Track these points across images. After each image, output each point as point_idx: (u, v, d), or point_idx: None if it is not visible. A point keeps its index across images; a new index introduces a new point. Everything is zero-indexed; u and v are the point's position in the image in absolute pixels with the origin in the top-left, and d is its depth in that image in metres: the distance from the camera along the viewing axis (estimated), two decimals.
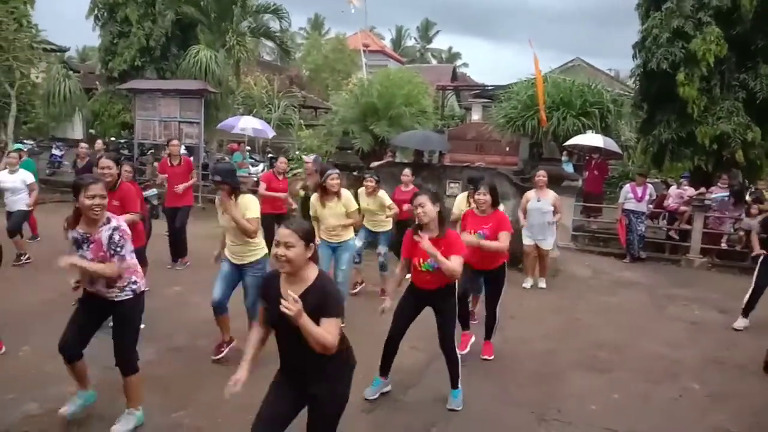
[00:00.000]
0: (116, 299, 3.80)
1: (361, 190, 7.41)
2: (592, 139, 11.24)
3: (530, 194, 8.19)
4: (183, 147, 14.37)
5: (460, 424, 4.33)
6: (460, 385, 4.52)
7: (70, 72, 19.43)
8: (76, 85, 18.62)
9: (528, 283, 8.45)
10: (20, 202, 8.21)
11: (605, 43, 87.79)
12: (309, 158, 8.12)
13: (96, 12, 18.76)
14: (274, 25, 20.86)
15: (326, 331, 2.71)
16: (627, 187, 10.96)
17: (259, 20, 20.34)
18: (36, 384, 4.43)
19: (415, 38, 54.05)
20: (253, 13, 19.49)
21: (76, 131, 19.35)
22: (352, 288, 7.37)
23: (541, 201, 8.13)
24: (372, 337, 4.71)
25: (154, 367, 5.06)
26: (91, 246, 3.66)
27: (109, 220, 3.71)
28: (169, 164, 8.64)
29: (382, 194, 7.32)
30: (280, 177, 8.70)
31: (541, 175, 8.17)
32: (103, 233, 3.67)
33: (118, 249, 3.67)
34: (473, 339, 5.69)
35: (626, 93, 15.25)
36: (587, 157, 13.71)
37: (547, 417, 4.49)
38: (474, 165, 11.64)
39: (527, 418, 4.47)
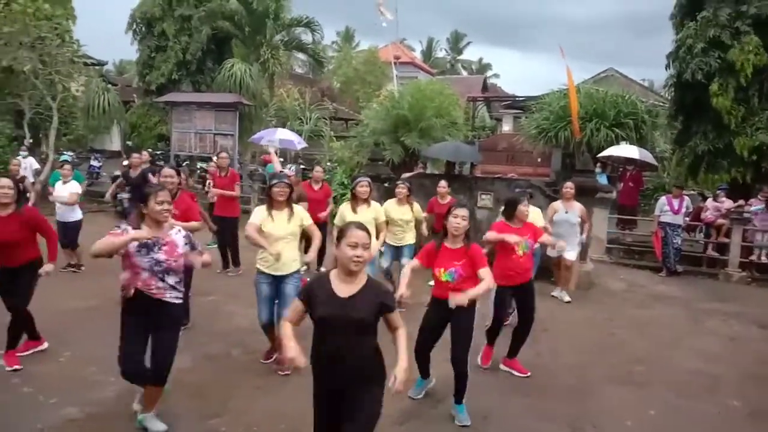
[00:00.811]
0: (169, 300, 3.91)
1: (391, 201, 7.39)
2: (626, 150, 11.09)
3: (557, 205, 8.09)
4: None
5: None
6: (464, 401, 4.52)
7: (109, 85, 19.97)
8: (115, 98, 19.13)
9: (556, 292, 8.37)
10: (72, 213, 8.47)
11: (638, 52, 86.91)
12: (291, 171, 8.13)
13: (134, 27, 19.28)
14: (306, 38, 21.18)
15: (398, 322, 3.09)
16: (663, 199, 10.78)
17: (292, 33, 20.65)
18: (76, 389, 4.53)
19: (445, 49, 54.17)
20: (286, 26, 19.79)
21: (114, 143, 19.85)
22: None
23: (569, 212, 8.05)
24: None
25: (190, 374, 5.17)
26: (164, 248, 3.87)
27: (172, 225, 4.05)
28: (218, 175, 8.89)
29: (416, 205, 7.32)
30: (317, 186, 8.81)
31: (569, 187, 8.09)
32: (176, 235, 3.98)
33: (196, 244, 4.10)
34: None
35: (661, 103, 15.03)
36: (621, 169, 13.53)
37: None
38: (506, 176, 11.59)
39: None
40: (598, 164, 12.46)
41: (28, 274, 5.01)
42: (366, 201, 6.41)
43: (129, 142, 19.91)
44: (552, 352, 6.19)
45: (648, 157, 11.44)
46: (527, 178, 11.36)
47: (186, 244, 4.01)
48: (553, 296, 8.30)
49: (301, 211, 5.26)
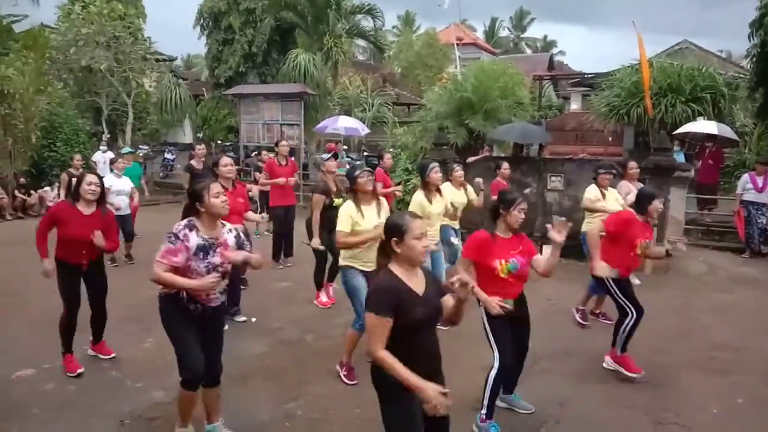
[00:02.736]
0: (216, 305, 3.76)
1: (447, 185, 6.92)
2: (704, 126, 10.55)
3: (629, 186, 7.66)
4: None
5: (570, 425, 4.23)
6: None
7: (180, 80, 20.67)
8: (186, 93, 19.81)
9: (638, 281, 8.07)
10: (125, 205, 8.77)
11: (713, 23, 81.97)
12: (328, 157, 7.51)
13: (201, 22, 19.82)
14: (366, 24, 21.19)
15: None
16: (746, 176, 10.23)
17: (353, 21, 20.71)
18: (161, 373, 4.73)
19: (508, 28, 53.02)
20: (347, 14, 19.87)
21: (187, 136, 20.57)
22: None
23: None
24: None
25: (267, 358, 5.37)
26: (219, 249, 3.66)
27: (224, 224, 3.81)
28: (278, 164, 8.96)
29: (470, 188, 7.06)
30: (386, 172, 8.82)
31: (634, 167, 7.78)
32: (228, 235, 3.76)
33: (247, 244, 3.89)
34: None
35: (741, 75, 14.17)
36: (699, 146, 12.90)
37: (664, 421, 4.28)
38: (577, 157, 11.27)
39: (642, 421, 4.30)
40: (675, 142, 11.93)
41: (104, 267, 5.22)
42: (438, 190, 5.98)
43: (199, 135, 20.57)
44: (632, 338, 6.01)
45: (728, 132, 10.85)
46: (599, 158, 11.01)
47: (236, 243, 3.80)
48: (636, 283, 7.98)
49: (383, 201, 5.01)
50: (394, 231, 2.79)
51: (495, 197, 8.33)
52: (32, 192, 13.58)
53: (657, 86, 11.03)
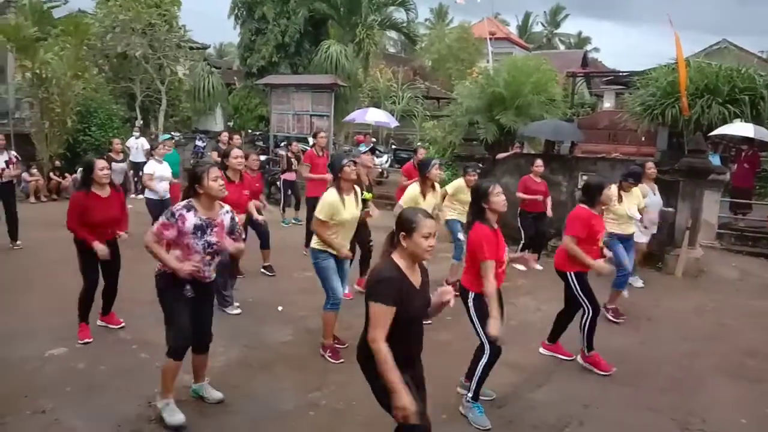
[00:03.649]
0: (209, 281, 4.06)
1: (463, 185, 7.25)
2: (741, 128, 10.31)
3: (645, 188, 7.51)
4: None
5: (594, 426, 4.20)
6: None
7: (213, 69, 20.84)
8: (218, 81, 19.96)
9: (640, 283, 7.94)
10: (166, 190, 8.85)
11: (754, 22, 79.55)
12: (365, 150, 7.54)
13: (236, 11, 19.94)
14: (399, 16, 21.11)
15: None
16: None
17: (385, 13, 20.65)
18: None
19: (542, 23, 52.31)
20: (380, 6, 19.82)
21: (218, 124, 20.75)
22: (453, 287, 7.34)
23: (656, 195, 7.62)
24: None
25: (291, 347, 5.43)
26: (215, 230, 3.93)
27: (222, 205, 4.05)
28: (317, 155, 9.02)
29: None
30: None
31: (652, 167, 7.65)
32: (224, 217, 4.02)
33: (238, 229, 4.18)
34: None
35: None
36: (736, 149, 12.61)
37: (691, 426, 4.23)
38: (610, 156, 11.11)
39: (667, 426, 4.25)
40: (709, 143, 11.68)
41: (118, 244, 5.49)
42: (433, 186, 6.22)
43: (230, 123, 20.75)
44: (656, 341, 5.95)
45: (765, 135, 10.59)
46: (631, 158, 10.84)
47: (230, 225, 4.07)
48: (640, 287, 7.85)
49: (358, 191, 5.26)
50: (404, 225, 2.87)
51: (520, 193, 8.36)
52: (66, 175, 13.87)
53: (693, 86, 10.81)
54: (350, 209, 4.98)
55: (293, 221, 11.49)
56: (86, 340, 5.25)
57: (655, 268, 8.66)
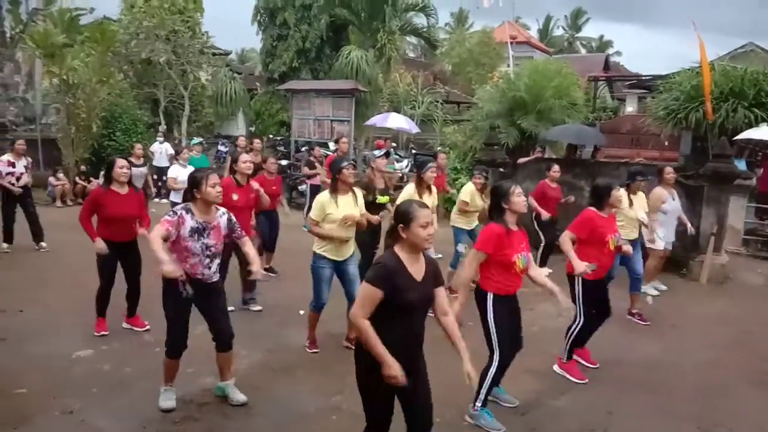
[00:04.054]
0: (215, 280, 4.20)
1: (473, 188, 7.33)
2: (767, 132, 10.15)
3: (664, 193, 7.39)
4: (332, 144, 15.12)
5: None
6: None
7: (235, 74, 21.06)
8: (240, 87, 20.16)
9: (656, 290, 7.79)
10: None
11: None
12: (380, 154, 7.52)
13: (258, 17, 20.14)
14: (418, 21, 21.14)
15: (446, 300, 3.14)
16: None
17: (405, 18, 20.69)
18: (210, 360, 4.79)
19: (563, 27, 51.97)
20: (402, 11, 19.87)
21: (240, 129, 20.95)
22: (451, 292, 7.36)
23: (675, 200, 7.52)
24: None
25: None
26: (212, 232, 4.08)
27: (217, 208, 4.19)
28: None
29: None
30: (439, 172, 8.83)
31: (671, 172, 7.54)
32: (221, 219, 4.17)
33: (238, 228, 4.30)
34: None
35: None
36: (762, 153, 12.40)
37: None
38: (633, 161, 11.01)
39: None
40: (735, 148, 11.51)
41: (138, 246, 5.63)
42: (429, 187, 6.39)
43: (252, 128, 20.94)
44: (680, 349, 5.87)
45: None
46: (654, 163, 10.73)
47: (228, 225, 4.22)
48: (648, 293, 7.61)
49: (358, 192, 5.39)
50: (401, 218, 2.96)
51: (533, 200, 8.28)
52: (92, 179, 14.10)
53: (718, 90, 10.66)
54: (345, 209, 5.07)
55: (304, 228, 11.52)
56: (102, 333, 5.50)
57: (679, 274, 8.56)
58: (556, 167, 8.48)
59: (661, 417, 4.43)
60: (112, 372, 4.81)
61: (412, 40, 28.65)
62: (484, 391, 4.05)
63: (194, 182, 4.04)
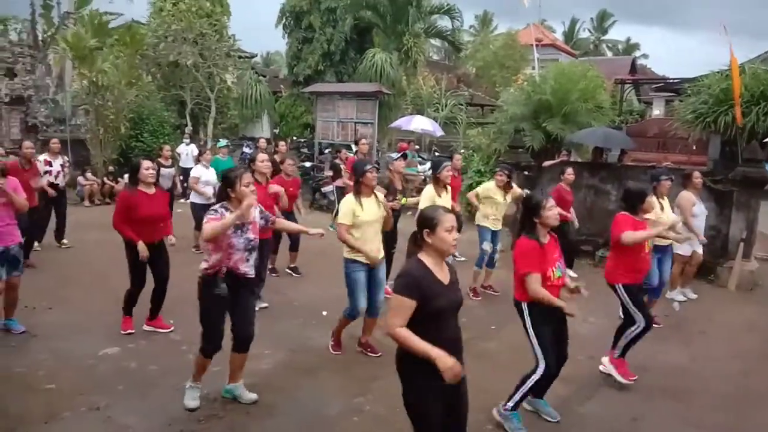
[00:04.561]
0: (251, 276, 4.26)
1: (492, 185, 7.34)
2: None
3: (692, 197, 7.28)
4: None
5: None
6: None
7: (260, 77, 21.24)
8: (266, 89, 20.33)
9: (684, 296, 7.64)
10: (212, 194, 9.09)
11: None
12: (397, 157, 7.51)
13: (284, 20, 20.28)
14: (443, 23, 21.09)
15: None
16: None
17: (429, 20, 20.67)
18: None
19: (588, 29, 51.52)
20: (427, 14, 19.86)
21: (264, 131, 21.12)
22: (474, 293, 7.40)
23: (701, 204, 7.38)
24: None
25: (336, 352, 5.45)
26: (250, 227, 4.21)
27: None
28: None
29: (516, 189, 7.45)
30: (455, 173, 8.81)
31: (699, 177, 7.43)
32: (254, 214, 4.29)
33: (268, 214, 4.50)
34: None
35: None
36: None
37: None
38: (660, 165, 10.84)
39: None
40: (765, 152, 11.28)
41: (166, 247, 5.72)
42: (446, 186, 6.47)
43: (276, 131, 21.09)
44: (707, 357, 5.77)
45: None
46: (682, 167, 10.57)
47: (261, 217, 4.37)
48: (675, 299, 7.48)
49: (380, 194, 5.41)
50: (426, 223, 2.94)
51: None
52: (119, 179, 14.32)
53: (749, 93, 10.45)
54: (370, 211, 5.11)
55: (329, 228, 11.54)
56: (129, 331, 5.57)
57: (707, 280, 8.41)
58: (570, 170, 8.40)
59: (687, 426, 4.36)
60: (138, 370, 4.89)
61: (436, 42, 28.59)
62: (519, 394, 4.02)
63: (229, 182, 4.13)
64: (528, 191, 7.51)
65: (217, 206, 4.16)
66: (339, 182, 11.86)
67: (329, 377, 4.92)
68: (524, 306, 4.03)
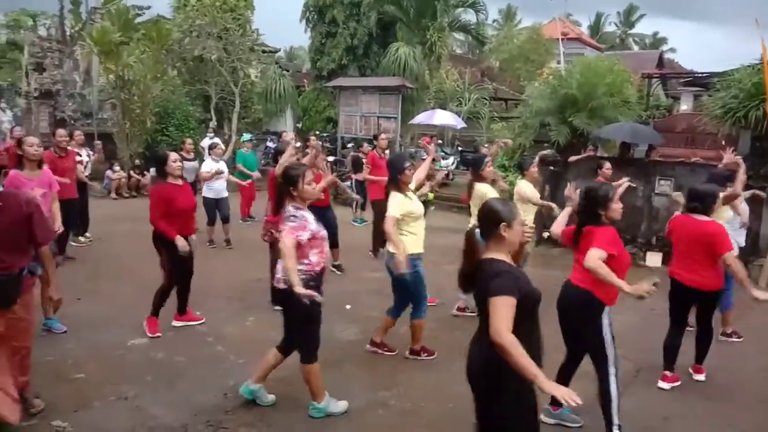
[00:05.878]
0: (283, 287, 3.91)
1: (524, 181, 7.06)
2: None
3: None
4: None
5: None
6: None
7: (284, 71, 21.30)
8: (289, 84, 20.38)
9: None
10: (224, 190, 9.24)
11: None
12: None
13: (307, 15, 20.30)
14: (467, 17, 20.94)
15: None
16: None
17: (453, 14, 20.52)
18: (261, 350, 4.79)
19: (615, 23, 50.79)
20: (452, 8, 19.72)
21: (288, 125, 21.18)
22: None
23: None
24: None
25: (359, 346, 5.48)
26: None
27: None
28: (378, 156, 9.01)
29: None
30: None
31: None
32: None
33: None
34: None
35: None
36: None
37: None
38: (689, 161, 10.65)
39: None
40: None
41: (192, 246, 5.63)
42: (492, 182, 6.36)
43: (299, 125, 21.15)
44: (739, 356, 5.66)
45: None
46: (711, 162, 10.35)
47: None
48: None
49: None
50: (504, 217, 2.75)
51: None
52: (146, 172, 14.49)
53: None
54: (416, 204, 5.08)
55: (352, 222, 11.60)
56: (157, 335, 5.40)
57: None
58: (608, 165, 8.25)
59: (718, 425, 4.29)
60: (166, 360, 4.94)
61: (459, 36, 28.37)
62: (615, 411, 3.78)
63: (291, 180, 3.94)
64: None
65: (291, 210, 3.89)
66: (359, 176, 11.85)
67: (353, 371, 4.92)
68: (606, 311, 3.83)
